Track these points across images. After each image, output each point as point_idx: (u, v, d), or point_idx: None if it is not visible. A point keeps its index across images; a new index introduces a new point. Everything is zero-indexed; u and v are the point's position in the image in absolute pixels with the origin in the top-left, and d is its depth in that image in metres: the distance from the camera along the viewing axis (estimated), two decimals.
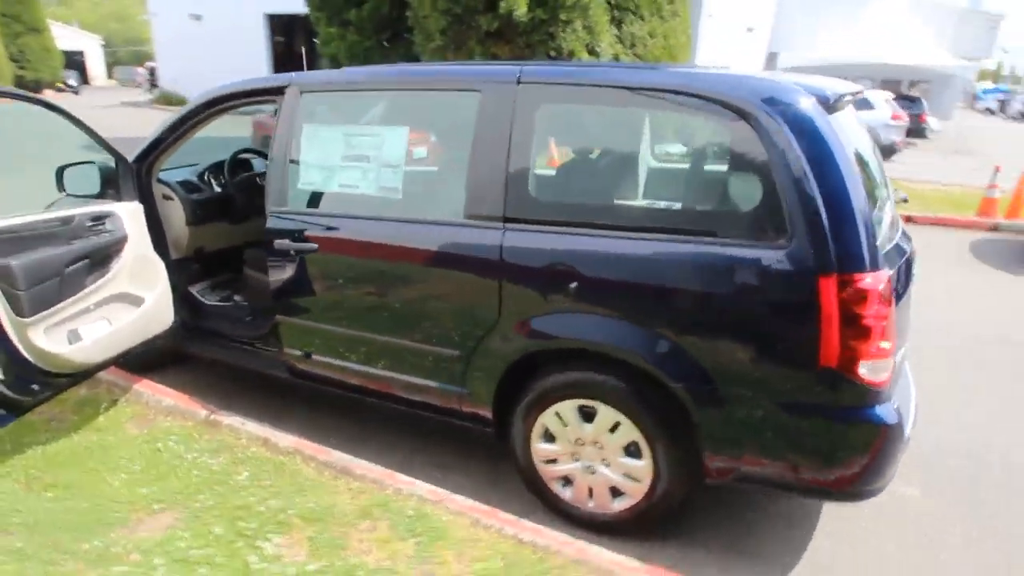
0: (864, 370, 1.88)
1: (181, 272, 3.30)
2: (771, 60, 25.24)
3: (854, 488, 2.03)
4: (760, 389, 1.99)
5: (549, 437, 2.38)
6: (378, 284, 2.51)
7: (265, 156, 3.75)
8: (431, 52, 11.73)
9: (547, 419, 2.34)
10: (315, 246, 2.56)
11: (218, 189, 3.54)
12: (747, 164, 1.96)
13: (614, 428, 2.23)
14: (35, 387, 2.56)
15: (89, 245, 2.70)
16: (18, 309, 2.39)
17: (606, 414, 2.22)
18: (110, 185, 3.01)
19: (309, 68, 26.80)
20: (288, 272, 2.68)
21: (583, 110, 2.25)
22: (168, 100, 24.54)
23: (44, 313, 2.50)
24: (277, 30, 24.98)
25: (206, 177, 3.57)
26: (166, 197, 3.28)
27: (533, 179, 2.20)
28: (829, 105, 1.95)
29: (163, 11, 25.24)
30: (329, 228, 2.56)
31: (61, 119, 2.77)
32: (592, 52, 11.60)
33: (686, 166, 2.25)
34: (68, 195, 2.94)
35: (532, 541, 2.19)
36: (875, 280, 1.85)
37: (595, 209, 2.19)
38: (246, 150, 3.79)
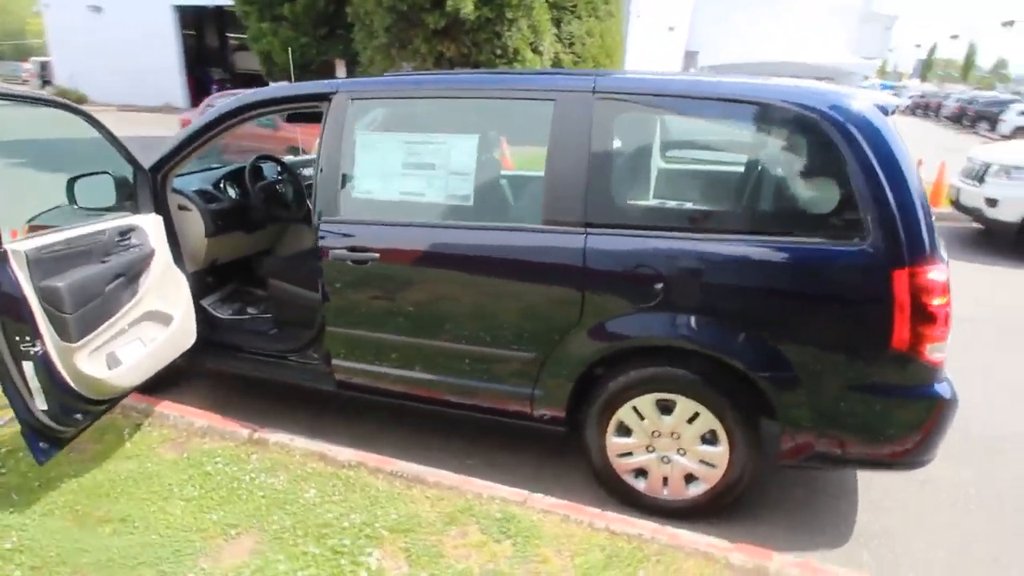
0: (929, 352, 2.10)
1: (196, 286, 3.14)
2: (689, 58, 26.41)
3: (912, 458, 2.25)
4: (836, 373, 2.16)
5: (624, 431, 2.47)
6: (446, 291, 2.52)
7: (280, 163, 3.63)
8: (374, 49, 11.52)
9: (623, 414, 2.43)
10: (376, 255, 2.52)
11: (234, 197, 3.39)
12: (824, 168, 2.13)
13: (692, 419, 2.35)
14: (78, 416, 2.40)
15: (123, 261, 2.54)
16: (65, 334, 2.22)
17: (685, 406, 2.34)
18: (126, 196, 2.83)
19: (227, 64, 25.77)
20: (343, 282, 2.63)
21: (660, 119, 2.35)
22: (64, 97, 22.60)
23: (89, 337, 2.33)
24: (187, 23, 23.58)
25: (222, 185, 3.41)
26: (182, 208, 3.11)
27: (615, 185, 2.28)
28: (888, 114, 2.15)
29: (57, 2, 23.24)
30: (393, 236, 2.53)
31: (82, 121, 2.58)
32: (536, 51, 11.77)
33: (763, 171, 2.40)
34: (80, 208, 2.75)
35: (624, 532, 2.28)
36: (939, 271, 2.06)
37: (676, 213, 2.30)
38: (265, 157, 3.63)
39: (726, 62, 22.64)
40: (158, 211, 2.92)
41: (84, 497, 2.46)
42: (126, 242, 2.64)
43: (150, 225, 2.80)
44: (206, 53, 25.70)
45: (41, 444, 2.28)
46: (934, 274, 2.05)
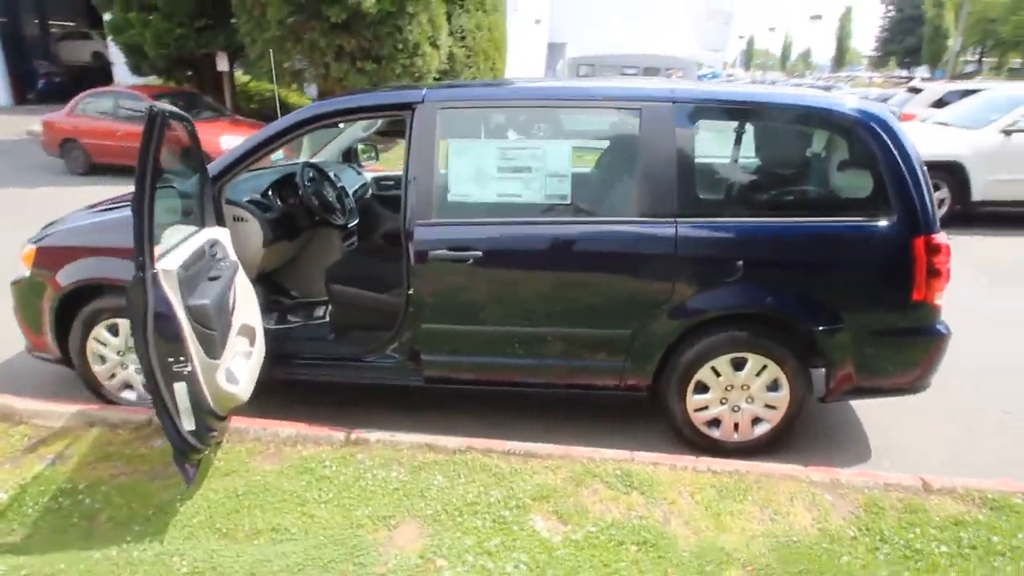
0: (935, 299, 2.74)
1: None
2: (553, 51, 27.59)
3: (920, 383, 2.91)
4: (872, 322, 2.75)
5: (701, 389, 2.91)
6: (546, 280, 2.78)
7: (318, 169, 3.62)
8: (265, 42, 10.97)
9: (703, 374, 2.87)
10: (479, 252, 2.72)
11: (280, 206, 3.34)
12: (860, 161, 2.69)
13: (760, 371, 2.84)
14: (214, 434, 2.38)
15: (227, 276, 2.51)
16: (212, 351, 2.21)
17: (755, 361, 2.82)
18: (191, 208, 2.76)
19: (51, 55, 22.58)
20: (441, 280, 2.80)
21: (729, 124, 2.78)
22: None
23: (226, 353, 2.32)
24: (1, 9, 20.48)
25: (270, 194, 3.33)
26: (238, 219, 3.04)
27: (699, 180, 2.68)
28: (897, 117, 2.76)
29: None
30: (495, 234, 2.74)
31: None
32: (434, 45, 11.88)
33: (814, 165, 2.92)
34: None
35: (723, 469, 2.72)
36: (942, 237, 2.70)
37: (749, 201, 2.76)
38: (311, 164, 3.57)
39: (591, 54, 23.98)
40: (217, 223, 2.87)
41: (214, 515, 2.44)
42: (218, 256, 2.60)
43: (225, 238, 2.76)
44: (24, 44, 22.47)
45: (187, 466, 2.25)
46: (940, 239, 2.69)
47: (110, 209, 3.30)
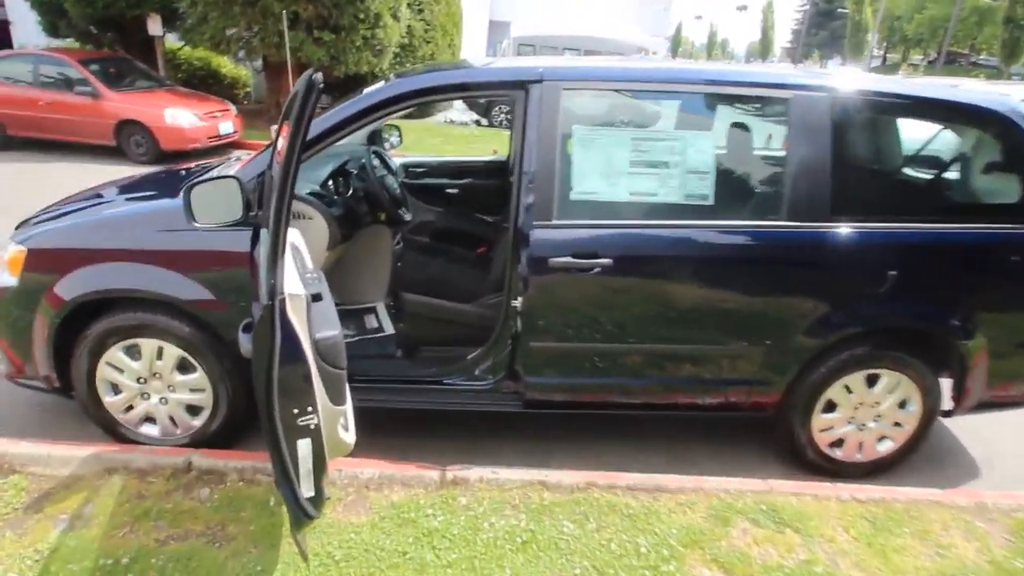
0: None
1: None
2: (495, 28, 26.90)
3: None
4: (1010, 334, 2.58)
5: (829, 408, 2.66)
6: (682, 292, 2.43)
7: (380, 156, 3.07)
8: (207, 5, 9.85)
9: (834, 391, 2.62)
10: (608, 260, 2.33)
11: (339, 199, 2.78)
12: (1013, 162, 2.48)
13: (894, 388, 2.62)
14: (327, 496, 1.88)
15: (327, 293, 2.00)
16: (337, 395, 1.72)
17: (891, 377, 2.60)
18: (254, 207, 2.21)
19: None
20: (560, 291, 2.39)
21: (888, 119, 2.51)
22: None
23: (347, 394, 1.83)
24: None
25: (330, 184, 2.76)
26: (299, 216, 2.49)
27: (853, 181, 2.39)
28: None
29: None
30: (629, 240, 2.36)
31: None
32: (395, 16, 11.12)
33: (969, 166, 2.69)
34: (201, 226, 2.10)
35: (868, 498, 2.49)
36: None
37: (905, 204, 2.50)
38: (375, 150, 3.00)
39: (534, 34, 23.48)
40: None
41: None
42: (306, 266, 2.08)
43: (300, 241, 2.23)
44: None
45: (299, 537, 1.75)
46: None
47: (128, 197, 2.66)
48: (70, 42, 10.89)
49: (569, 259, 2.33)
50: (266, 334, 1.44)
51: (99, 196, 2.83)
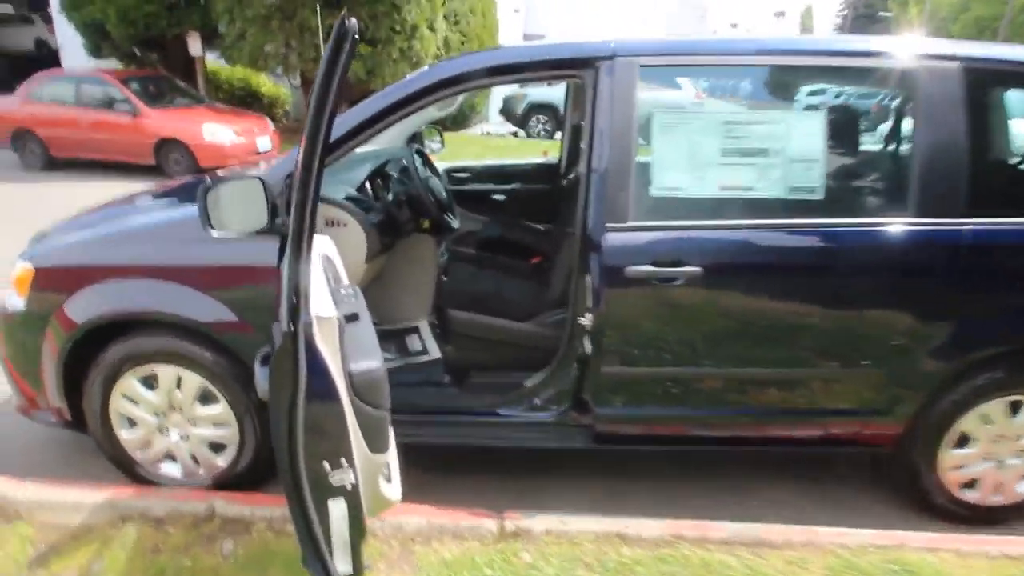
0: None
1: None
2: (528, 41, 26.78)
3: None
4: None
5: (962, 442, 2.21)
6: (789, 304, 2.02)
7: (423, 155, 2.76)
8: (246, 21, 9.85)
9: (967, 422, 2.16)
10: (697, 269, 1.95)
11: (379, 204, 2.47)
12: None
13: None
14: (367, 565, 1.54)
15: (365, 314, 1.67)
16: (376, 441, 1.38)
17: None
18: (280, 212, 1.90)
19: None
20: (639, 306, 2.01)
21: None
22: None
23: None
24: None
25: (367, 188, 2.46)
26: (333, 223, 2.19)
27: (996, 168, 1.97)
28: None
29: None
30: (720, 244, 1.97)
31: None
32: (431, 27, 10.97)
33: None
34: (220, 235, 1.80)
35: (1019, 553, 2.03)
36: None
37: None
38: (419, 150, 2.70)
39: None
40: None
41: None
42: (339, 281, 1.75)
43: (332, 251, 1.91)
44: None
45: None
46: None
47: (147, 206, 2.41)
48: (113, 63, 11.04)
49: (649, 268, 1.95)
50: (287, 368, 1.11)
51: (117, 206, 2.58)
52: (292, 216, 1.13)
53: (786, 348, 2.07)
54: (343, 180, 2.46)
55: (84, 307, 2.17)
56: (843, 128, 2.09)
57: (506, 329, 2.40)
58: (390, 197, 2.58)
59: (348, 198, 2.33)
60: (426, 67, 2.12)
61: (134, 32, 10.06)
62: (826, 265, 2.01)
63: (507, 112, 13.94)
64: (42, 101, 8.62)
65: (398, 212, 2.52)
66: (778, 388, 2.14)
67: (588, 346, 2.08)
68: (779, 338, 2.06)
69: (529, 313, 2.45)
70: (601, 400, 2.16)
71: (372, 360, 1.34)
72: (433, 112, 3.39)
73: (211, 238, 1.82)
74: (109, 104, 8.48)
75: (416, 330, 2.79)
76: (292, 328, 1.10)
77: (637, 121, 1.94)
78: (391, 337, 2.76)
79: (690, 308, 2.02)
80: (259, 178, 1.82)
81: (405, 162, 2.53)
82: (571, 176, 3.54)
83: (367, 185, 2.55)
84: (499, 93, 14.75)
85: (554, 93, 13.29)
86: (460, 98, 3.32)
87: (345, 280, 1.88)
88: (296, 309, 1.09)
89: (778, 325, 2.05)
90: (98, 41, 10.60)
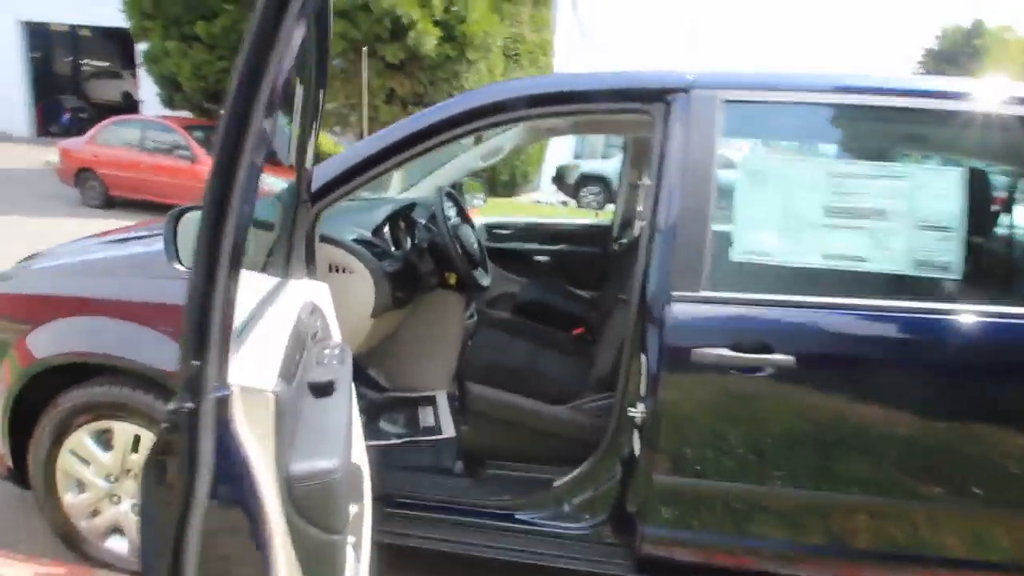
0: None
1: None
2: None
3: None
4: None
5: None
6: (917, 415, 1.53)
7: (456, 201, 2.44)
8: None
9: None
10: (790, 358, 1.49)
11: (398, 252, 2.13)
12: None
13: None
14: None
15: (346, 383, 1.27)
16: (332, 519, 0.94)
17: None
18: (270, 245, 1.55)
19: (80, 92, 22.29)
20: (711, 399, 1.56)
21: None
22: None
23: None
24: (35, 44, 20.24)
25: (386, 233, 2.14)
26: (337, 268, 1.84)
27: None
28: None
29: None
30: (818, 325, 1.52)
31: None
32: None
33: None
34: (186, 270, 1.44)
35: None
36: None
37: None
38: (449, 193, 2.39)
39: None
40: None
41: None
42: (322, 337, 1.37)
43: (326, 300, 1.54)
44: (55, 79, 22.13)
45: None
46: None
47: (129, 239, 2.13)
48: (185, 114, 11.51)
49: (726, 352, 1.50)
50: (179, 462, 0.70)
51: (108, 236, 2.31)
52: (201, 237, 0.77)
53: (904, 472, 1.55)
54: (356, 221, 2.12)
55: (48, 342, 1.85)
56: (988, 189, 1.64)
57: (536, 412, 1.96)
58: (410, 245, 2.23)
59: (359, 241, 1.98)
60: (459, 95, 1.81)
61: (205, 86, 10.48)
62: (966, 366, 1.51)
63: (559, 180, 13.89)
64: (108, 144, 8.96)
65: (419, 262, 2.16)
66: (892, 524, 1.61)
67: (637, 444, 1.62)
68: (895, 458, 1.55)
69: (566, 395, 2.00)
70: (650, 515, 1.66)
71: (327, 459, 0.92)
72: (477, 162, 3.09)
73: (178, 273, 1.49)
74: (170, 150, 8.72)
75: (432, 401, 2.38)
76: (191, 404, 0.70)
77: (717, 165, 1.55)
78: (401, 406, 2.36)
79: (776, 408, 1.55)
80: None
81: (433, 207, 2.20)
82: (624, 239, 3.15)
83: (385, 229, 2.21)
84: (552, 162, 14.77)
85: (608, 166, 13.21)
86: (507, 146, 3.00)
87: (336, 337, 1.50)
88: (196, 377, 0.69)
89: (894, 439, 1.54)
90: (172, 93, 11.08)
